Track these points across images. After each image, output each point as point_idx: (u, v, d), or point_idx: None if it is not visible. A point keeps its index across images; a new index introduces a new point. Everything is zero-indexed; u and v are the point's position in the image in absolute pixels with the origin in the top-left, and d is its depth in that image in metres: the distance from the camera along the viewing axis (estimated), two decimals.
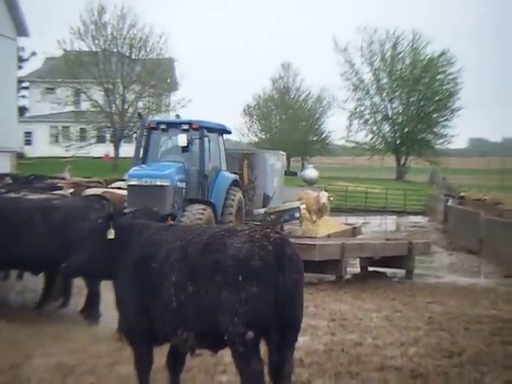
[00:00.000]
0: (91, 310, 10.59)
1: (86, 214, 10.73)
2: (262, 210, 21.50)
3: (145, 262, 6.39)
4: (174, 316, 6.14)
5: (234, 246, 5.85)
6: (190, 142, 17.27)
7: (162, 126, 18.49)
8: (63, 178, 24.15)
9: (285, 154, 32.28)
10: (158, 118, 37.72)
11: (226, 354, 8.60)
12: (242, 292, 5.67)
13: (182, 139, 17.11)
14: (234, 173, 19.85)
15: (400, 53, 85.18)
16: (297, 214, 21.32)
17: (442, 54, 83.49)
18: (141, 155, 18.25)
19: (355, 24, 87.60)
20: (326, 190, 26.84)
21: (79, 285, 11.50)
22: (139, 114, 23.53)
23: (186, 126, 17.84)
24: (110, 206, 11.60)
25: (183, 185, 17.27)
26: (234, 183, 18.89)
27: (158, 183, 16.63)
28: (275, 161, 26.65)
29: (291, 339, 6.03)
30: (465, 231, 28.44)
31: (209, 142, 17.92)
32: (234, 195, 18.46)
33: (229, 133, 20.65)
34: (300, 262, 6.04)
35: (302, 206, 22.37)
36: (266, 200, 23.76)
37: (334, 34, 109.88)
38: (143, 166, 17.81)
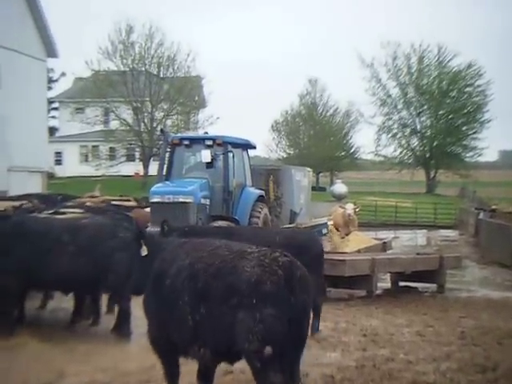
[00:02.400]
0: (122, 327, 10.62)
1: (114, 232, 10.82)
2: (289, 227, 21.42)
3: (161, 279, 6.69)
4: (187, 333, 6.40)
5: (246, 269, 6.08)
6: (214, 158, 17.20)
7: (186, 142, 18.47)
8: (92, 197, 24.31)
9: (311, 170, 32.26)
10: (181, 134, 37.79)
11: None
12: (256, 312, 5.89)
13: (205, 155, 17.06)
14: (260, 189, 19.77)
15: (426, 66, 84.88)
16: (324, 230, 21.22)
17: (469, 66, 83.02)
18: (164, 172, 18.25)
19: (381, 38, 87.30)
20: (354, 204, 26.69)
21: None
22: (162, 130, 23.54)
23: (209, 142, 17.81)
24: (133, 223, 11.72)
25: (207, 201, 17.16)
26: (260, 199, 18.78)
27: (181, 200, 16.55)
28: (302, 177, 26.62)
29: (299, 354, 6.29)
30: (496, 244, 28.13)
31: (233, 157, 17.84)
32: (260, 211, 18.33)
33: (253, 148, 20.47)
34: (308, 282, 6.29)
35: (330, 222, 22.25)
36: (293, 216, 23.69)
37: (359, 50, 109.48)
38: (166, 182, 17.81)
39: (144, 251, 7.26)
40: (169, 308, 6.55)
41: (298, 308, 6.06)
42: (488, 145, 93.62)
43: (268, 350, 5.86)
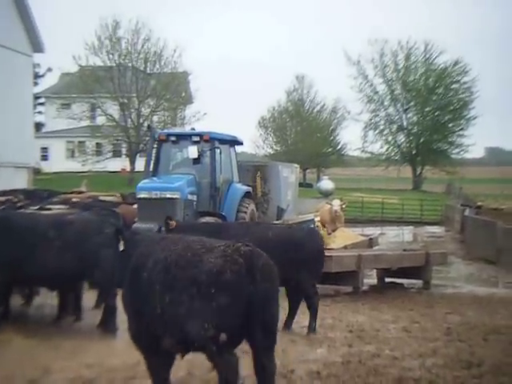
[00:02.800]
0: (108, 323, 10.59)
1: (100, 228, 10.78)
2: (276, 223, 21.42)
3: (138, 273, 6.91)
4: (158, 323, 6.64)
5: (209, 261, 6.41)
6: (200, 154, 17.17)
7: (173, 138, 18.41)
8: (80, 193, 24.21)
9: (298, 166, 32.25)
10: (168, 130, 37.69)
11: (243, 368, 8.67)
12: (213, 301, 6.22)
13: (192, 151, 17.03)
14: (247, 185, 19.75)
15: (413, 63, 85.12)
16: (311, 227, 21.22)
17: (456, 63, 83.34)
18: (151, 168, 18.19)
19: (367, 35, 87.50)
20: (340, 200, 26.67)
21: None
22: (148, 126, 23.50)
23: (196, 138, 17.76)
24: (120, 219, 11.71)
25: (194, 197, 17.13)
26: (247, 195, 18.77)
27: (168, 196, 16.52)
28: (289, 173, 26.62)
29: (270, 341, 6.52)
30: (482, 241, 28.27)
31: (220, 153, 17.81)
32: (247, 207, 18.33)
33: (240, 144, 20.44)
34: (272, 271, 6.61)
35: (316, 219, 22.26)
36: (280, 213, 23.69)
37: (345, 47, 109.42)
38: (153, 178, 17.76)
39: (121, 246, 7.74)
40: (146, 301, 6.71)
41: (260, 296, 6.33)
42: (474, 142, 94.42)
43: (223, 336, 6.18)
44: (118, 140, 59.15)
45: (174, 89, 57.37)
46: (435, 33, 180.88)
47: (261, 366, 6.46)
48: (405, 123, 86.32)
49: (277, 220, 22.35)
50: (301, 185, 42.73)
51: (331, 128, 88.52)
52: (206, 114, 58.84)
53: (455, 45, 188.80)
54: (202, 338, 6.26)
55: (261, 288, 6.36)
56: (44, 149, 65.77)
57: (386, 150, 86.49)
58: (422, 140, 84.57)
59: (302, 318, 12.71)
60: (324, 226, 22.50)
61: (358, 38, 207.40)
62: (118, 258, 7.74)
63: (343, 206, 23.10)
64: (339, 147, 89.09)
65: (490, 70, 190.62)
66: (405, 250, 19.77)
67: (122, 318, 9.79)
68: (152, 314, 6.65)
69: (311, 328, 11.40)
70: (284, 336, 10.84)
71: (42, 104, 69.72)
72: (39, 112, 68.81)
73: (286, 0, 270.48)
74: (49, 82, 72.93)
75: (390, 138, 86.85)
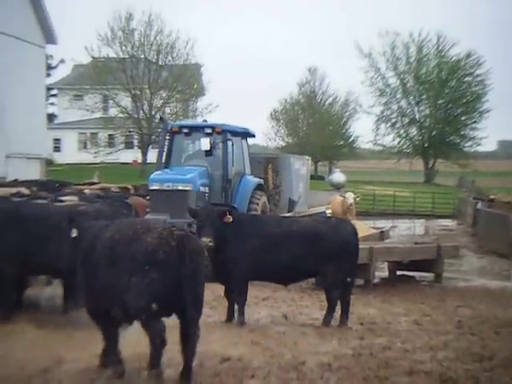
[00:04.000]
0: None
1: (112, 219, 10.77)
2: (288, 215, 21.39)
3: (90, 252, 7.84)
4: (106, 296, 7.64)
5: (147, 240, 7.34)
6: (213, 146, 17.14)
7: (185, 130, 18.41)
8: (92, 184, 24.30)
9: (310, 158, 32.24)
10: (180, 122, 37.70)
11: (254, 359, 8.68)
12: (147, 276, 7.21)
13: (204, 143, 17.01)
14: (259, 177, 19.73)
15: (425, 55, 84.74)
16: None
17: (469, 55, 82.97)
18: (163, 159, 18.20)
19: (379, 27, 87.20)
20: (353, 193, 26.66)
21: None
22: (161, 118, 23.51)
23: (209, 130, 17.75)
24: (132, 210, 11.76)
25: (206, 189, 17.13)
26: (259, 187, 18.76)
27: (180, 188, 16.53)
28: (300, 165, 26.62)
29: (196, 314, 7.46)
30: (494, 234, 28.17)
31: (232, 145, 17.80)
32: (259, 199, 18.33)
33: (253, 136, 20.40)
34: (200, 254, 7.63)
35: (328, 211, 22.23)
36: (292, 205, 23.68)
37: (358, 40, 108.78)
38: (166, 170, 17.77)
39: (74, 233, 8.37)
40: (96, 277, 7.68)
41: (188, 274, 7.28)
42: (487, 135, 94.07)
43: (154, 306, 7.19)
44: (130, 132, 59.17)
45: (186, 81, 57.32)
46: (448, 24, 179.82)
47: (186, 336, 7.38)
48: (417, 116, 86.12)
49: (288, 212, 22.35)
50: (312, 177, 42.67)
51: (343, 120, 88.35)
52: (218, 106, 58.89)
53: (469, 36, 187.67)
54: (136, 308, 7.27)
55: (189, 268, 7.28)
56: (56, 140, 65.98)
57: (398, 143, 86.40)
58: (434, 133, 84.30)
59: (313, 309, 12.76)
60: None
61: (371, 30, 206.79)
62: (71, 244, 8.36)
63: (357, 199, 23.08)
64: (351, 140, 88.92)
65: (503, 63, 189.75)
66: (416, 243, 19.73)
67: None
68: (101, 288, 7.63)
69: (325, 321, 11.37)
70: (295, 328, 10.90)
71: (54, 95, 69.87)
72: (52, 103, 69.06)
73: None
74: (61, 73, 73.33)
75: (401, 131, 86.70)
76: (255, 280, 12.18)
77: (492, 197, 43.76)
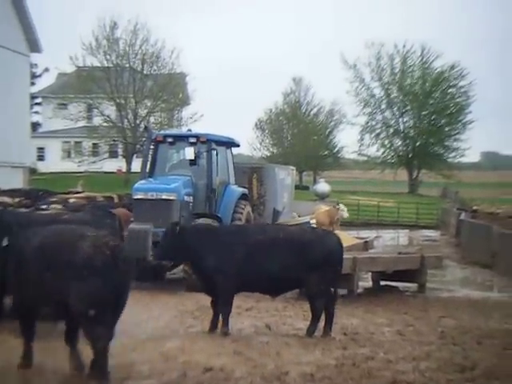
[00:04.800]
0: None
1: (97, 227, 10.74)
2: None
3: (21, 257, 8.26)
4: (37, 295, 8.07)
5: (83, 248, 7.76)
6: (197, 156, 17.12)
7: (169, 140, 18.36)
8: (76, 193, 24.25)
9: (294, 168, 32.26)
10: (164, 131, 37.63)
11: (236, 369, 8.65)
12: (85, 282, 7.60)
13: (189, 152, 16.97)
14: (243, 187, 19.72)
15: (410, 67, 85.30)
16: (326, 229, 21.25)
17: (453, 67, 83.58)
18: (148, 169, 18.17)
19: (365, 38, 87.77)
20: (338, 204, 26.75)
21: None
22: (146, 127, 23.42)
23: (193, 139, 17.72)
24: (116, 220, 11.77)
25: (190, 199, 17.08)
26: (243, 197, 18.73)
27: (164, 197, 16.46)
28: (285, 175, 26.60)
29: (118, 316, 8.03)
30: (478, 245, 28.30)
31: (217, 155, 17.78)
32: (243, 209, 18.30)
33: (237, 146, 20.36)
34: (130, 263, 8.10)
35: (312, 221, 22.27)
36: (276, 215, 23.67)
37: (343, 52, 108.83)
38: (150, 179, 17.73)
39: (5, 242, 8.75)
40: (27, 280, 8.10)
41: (119, 281, 7.79)
42: (470, 146, 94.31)
43: (91, 311, 7.57)
44: (114, 141, 59.01)
45: (171, 90, 57.28)
46: (435, 34, 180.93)
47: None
48: (401, 127, 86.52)
49: (272, 222, 22.35)
50: (297, 187, 42.74)
51: (328, 130, 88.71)
52: (203, 115, 58.87)
53: (452, 47, 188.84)
54: (76, 312, 7.69)
55: (120, 276, 7.79)
56: (40, 149, 65.74)
57: (383, 154, 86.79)
58: (418, 144, 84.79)
59: (296, 320, 12.75)
60: (320, 227, 22.54)
61: (357, 41, 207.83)
62: (2, 252, 8.69)
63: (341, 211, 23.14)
64: (336, 150, 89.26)
65: (487, 75, 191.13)
66: (400, 253, 19.77)
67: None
68: (33, 290, 8.06)
69: (309, 331, 11.34)
70: (278, 338, 10.88)
71: (38, 104, 69.61)
72: (36, 112, 68.67)
73: (284, 3, 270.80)
74: (46, 82, 72.90)
75: (386, 142, 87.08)
76: (243, 291, 12.09)
77: (475, 208, 44.03)
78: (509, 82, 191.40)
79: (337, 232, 21.99)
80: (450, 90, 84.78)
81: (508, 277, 21.98)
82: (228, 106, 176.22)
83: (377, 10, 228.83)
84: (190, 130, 21.52)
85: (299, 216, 27.90)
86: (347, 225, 33.69)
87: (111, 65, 56.31)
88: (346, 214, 21.76)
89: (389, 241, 38.50)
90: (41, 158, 65.95)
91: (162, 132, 22.68)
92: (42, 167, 61.68)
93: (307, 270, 11.19)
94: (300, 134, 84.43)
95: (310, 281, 11.29)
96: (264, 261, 11.19)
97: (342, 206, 22.92)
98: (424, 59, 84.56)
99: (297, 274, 11.25)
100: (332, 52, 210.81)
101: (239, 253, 11.19)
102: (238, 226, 15.75)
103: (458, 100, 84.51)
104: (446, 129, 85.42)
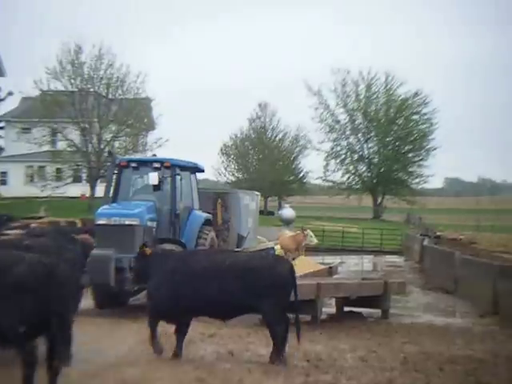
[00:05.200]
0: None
1: (59, 253, 10.67)
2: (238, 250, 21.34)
3: None
4: None
5: (17, 268, 8.00)
6: (161, 181, 17.09)
7: (133, 164, 18.31)
8: (39, 218, 24.04)
9: (259, 194, 32.35)
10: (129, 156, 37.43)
11: None
12: (17, 301, 7.80)
13: (153, 178, 16.93)
14: (208, 212, 19.68)
15: (374, 93, 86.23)
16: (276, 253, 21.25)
17: (416, 94, 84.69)
18: (111, 194, 18.05)
19: (330, 65, 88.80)
20: (303, 230, 26.77)
21: None
22: (109, 152, 23.35)
23: (157, 164, 17.67)
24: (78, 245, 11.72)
25: (154, 224, 17.00)
26: (207, 222, 18.70)
27: (127, 222, 16.36)
28: (250, 201, 26.65)
29: (61, 336, 8.06)
30: (440, 271, 28.51)
31: (181, 180, 17.77)
32: (207, 235, 18.25)
33: (202, 171, 20.34)
34: (67, 281, 8.30)
35: (277, 247, 22.30)
36: (241, 240, 23.67)
37: (306, 78, 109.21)
38: (113, 204, 17.61)
39: None
40: None
41: (55, 300, 7.96)
42: (434, 172, 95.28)
43: (21, 328, 7.82)
44: (78, 165, 58.61)
45: (136, 115, 57.17)
46: (397, 62, 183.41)
47: (53, 356, 8.00)
48: (366, 153, 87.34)
49: (237, 247, 22.33)
50: (262, 212, 42.83)
51: (293, 156, 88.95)
52: (168, 140, 58.75)
53: (416, 75, 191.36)
54: (5, 330, 7.86)
55: (56, 293, 7.99)
56: (3, 173, 65.15)
57: (347, 179, 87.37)
58: (382, 170, 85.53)
59: (259, 346, 12.68)
60: (286, 253, 22.58)
61: (322, 66, 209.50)
62: None
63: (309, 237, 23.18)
64: (301, 175, 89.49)
65: (449, 102, 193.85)
66: (364, 279, 19.84)
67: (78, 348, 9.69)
68: None
69: (272, 358, 11.23)
70: (241, 365, 10.80)
71: (1, 128, 68.86)
72: None
73: (249, 28, 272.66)
74: (9, 105, 72.05)
75: (351, 168, 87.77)
76: (192, 316, 11.92)
77: (438, 233, 44.51)
78: (473, 109, 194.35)
79: (302, 258, 22.17)
80: (413, 117, 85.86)
81: (470, 302, 22.13)
82: (193, 131, 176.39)
83: (342, 36, 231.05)
84: (155, 155, 21.46)
85: (269, 241, 27.94)
86: (312, 250, 33.76)
87: (76, 89, 56.02)
88: (314, 241, 21.83)
89: (353, 266, 38.65)
90: (3, 182, 65.29)
91: (126, 157, 22.63)
92: (5, 192, 60.96)
93: (256, 296, 11.07)
94: (265, 160, 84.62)
95: (263, 308, 11.21)
96: (206, 286, 11.10)
97: (310, 233, 22.97)
98: (388, 86, 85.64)
99: (243, 299, 11.14)
100: (298, 78, 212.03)
101: (179, 279, 11.15)
102: (190, 251, 15.56)
103: (421, 127, 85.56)
104: (410, 155, 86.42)
